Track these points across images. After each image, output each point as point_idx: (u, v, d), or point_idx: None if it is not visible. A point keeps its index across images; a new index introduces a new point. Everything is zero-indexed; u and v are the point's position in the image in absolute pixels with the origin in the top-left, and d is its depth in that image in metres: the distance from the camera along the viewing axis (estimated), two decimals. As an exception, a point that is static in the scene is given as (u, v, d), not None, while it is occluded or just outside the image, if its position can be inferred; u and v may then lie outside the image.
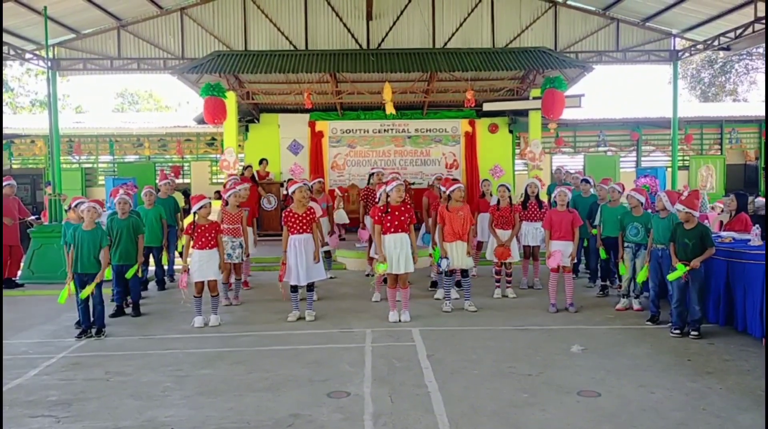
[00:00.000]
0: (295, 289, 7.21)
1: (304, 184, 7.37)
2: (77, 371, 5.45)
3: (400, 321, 6.96)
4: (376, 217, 6.99)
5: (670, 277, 6.33)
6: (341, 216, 12.02)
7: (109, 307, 7.48)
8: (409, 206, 7.12)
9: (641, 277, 7.11)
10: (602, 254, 8.14)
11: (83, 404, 4.64)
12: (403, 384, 4.93)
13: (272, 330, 6.80)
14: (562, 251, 7.45)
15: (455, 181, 7.69)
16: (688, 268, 6.15)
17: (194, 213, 7.15)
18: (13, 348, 6.21)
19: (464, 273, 7.55)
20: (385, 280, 9.00)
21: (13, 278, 9.80)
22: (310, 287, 7.26)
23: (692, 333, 6.21)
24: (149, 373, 5.35)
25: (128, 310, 7.69)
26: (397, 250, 6.87)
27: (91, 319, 6.67)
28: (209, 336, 6.61)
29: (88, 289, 6.53)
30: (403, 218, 6.91)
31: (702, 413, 4.28)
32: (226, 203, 8.22)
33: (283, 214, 7.21)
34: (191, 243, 7.06)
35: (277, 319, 7.25)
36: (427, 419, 4.23)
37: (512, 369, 5.27)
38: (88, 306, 6.63)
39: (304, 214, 7.09)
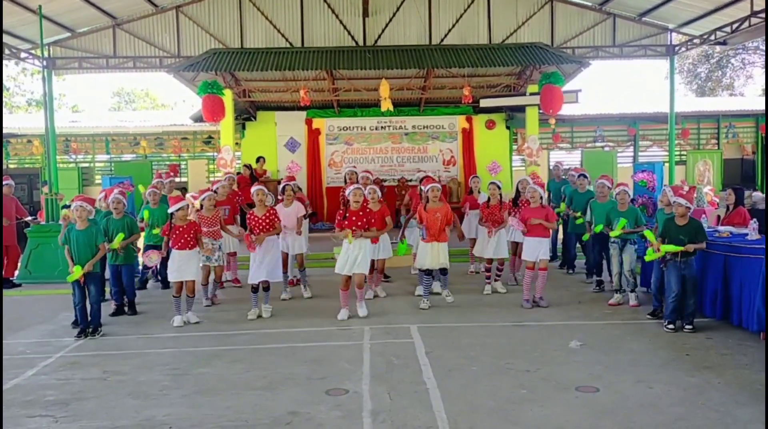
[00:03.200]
0: (255, 289, 7.29)
1: (260, 188, 7.46)
2: (75, 371, 5.44)
3: (348, 318, 6.98)
4: (336, 221, 7.15)
5: (647, 257, 6.41)
6: None
7: (108, 307, 7.47)
8: (369, 210, 7.19)
9: (650, 256, 6.63)
10: (597, 229, 7.75)
11: (81, 404, 4.63)
12: (402, 381, 4.93)
13: (269, 328, 6.79)
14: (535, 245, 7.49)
15: (434, 180, 7.72)
16: (679, 249, 6.15)
17: (170, 214, 7.19)
18: (10, 348, 6.19)
19: (443, 271, 7.66)
20: (387, 276, 9.03)
21: (11, 278, 9.78)
22: (266, 287, 7.30)
23: (686, 327, 6.23)
24: (147, 372, 5.34)
25: (127, 309, 7.66)
26: (355, 252, 6.94)
27: (88, 318, 6.65)
28: (206, 334, 6.61)
29: (78, 273, 6.47)
30: (360, 223, 6.94)
31: (701, 408, 4.29)
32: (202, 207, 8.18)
33: (247, 216, 7.39)
34: (170, 243, 7.15)
35: (273, 317, 7.24)
36: (425, 416, 4.23)
37: (510, 365, 5.27)
38: (86, 306, 6.61)
39: (264, 217, 7.22)
